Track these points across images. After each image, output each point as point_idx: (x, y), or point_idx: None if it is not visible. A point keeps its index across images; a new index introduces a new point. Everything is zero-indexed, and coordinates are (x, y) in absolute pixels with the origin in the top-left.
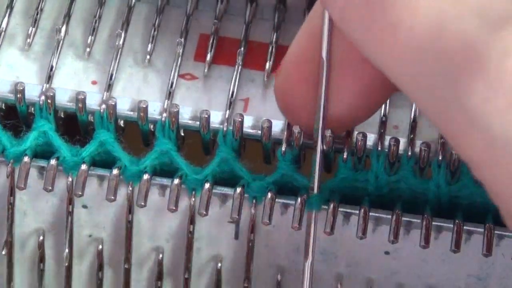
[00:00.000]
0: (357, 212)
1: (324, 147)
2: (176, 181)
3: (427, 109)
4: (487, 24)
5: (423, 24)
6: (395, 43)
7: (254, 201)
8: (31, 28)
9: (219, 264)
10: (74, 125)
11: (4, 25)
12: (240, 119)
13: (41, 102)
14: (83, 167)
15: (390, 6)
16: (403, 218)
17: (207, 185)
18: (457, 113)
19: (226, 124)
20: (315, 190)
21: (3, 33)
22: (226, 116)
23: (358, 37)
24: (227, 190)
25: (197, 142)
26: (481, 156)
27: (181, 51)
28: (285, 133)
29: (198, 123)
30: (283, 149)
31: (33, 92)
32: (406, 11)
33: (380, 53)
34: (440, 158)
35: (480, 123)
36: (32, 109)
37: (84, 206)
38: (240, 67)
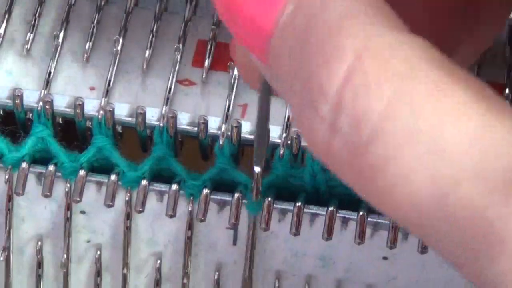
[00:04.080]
0: (355, 217)
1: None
2: (174, 187)
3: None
4: (492, 190)
5: (422, 190)
6: (390, 205)
7: None
8: (29, 34)
9: (217, 270)
10: (72, 131)
11: (2, 30)
12: (237, 125)
13: (39, 108)
14: (81, 173)
15: (380, 173)
16: None
17: (205, 191)
18: (478, 278)
19: (223, 130)
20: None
21: (1, 38)
22: (224, 122)
23: (350, 183)
24: (226, 196)
25: (195, 147)
26: None
27: (179, 57)
28: (288, 131)
29: (196, 129)
30: (281, 152)
31: (31, 98)
32: (399, 178)
33: (378, 205)
34: None
35: None
36: (30, 115)
37: (82, 212)
38: (238, 73)
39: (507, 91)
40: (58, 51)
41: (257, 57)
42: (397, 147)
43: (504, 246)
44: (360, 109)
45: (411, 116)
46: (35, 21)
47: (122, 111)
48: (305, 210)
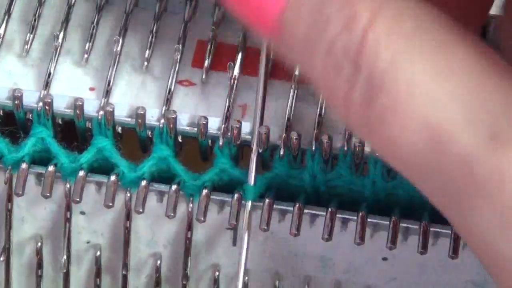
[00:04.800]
0: (355, 218)
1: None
2: (174, 187)
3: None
4: (482, 141)
5: (420, 138)
6: (395, 155)
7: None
8: (28, 35)
9: (217, 271)
10: (72, 131)
11: (1, 31)
12: (237, 125)
13: (39, 109)
14: (81, 173)
15: (385, 123)
16: (401, 224)
17: (205, 192)
18: (463, 225)
19: (222, 130)
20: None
21: (0, 39)
22: (224, 122)
23: (364, 135)
24: (225, 197)
25: (195, 148)
26: (494, 270)
27: (178, 57)
28: (283, 136)
29: (196, 129)
30: (281, 152)
31: (31, 98)
32: (400, 127)
33: (382, 154)
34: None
35: (485, 240)
36: (30, 115)
37: (82, 213)
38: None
39: None
40: (57, 52)
41: (268, 34)
42: (398, 99)
43: (486, 199)
44: (372, 63)
45: (410, 70)
46: (34, 21)
47: (122, 112)
48: (305, 210)
